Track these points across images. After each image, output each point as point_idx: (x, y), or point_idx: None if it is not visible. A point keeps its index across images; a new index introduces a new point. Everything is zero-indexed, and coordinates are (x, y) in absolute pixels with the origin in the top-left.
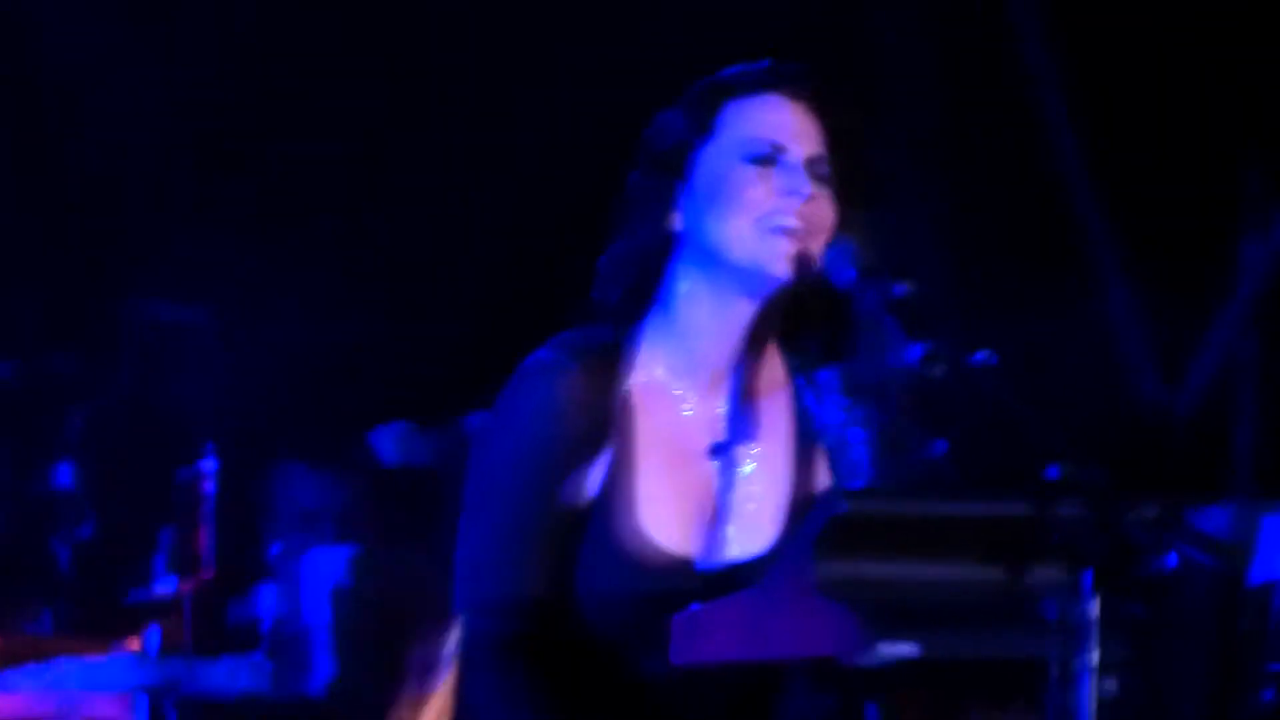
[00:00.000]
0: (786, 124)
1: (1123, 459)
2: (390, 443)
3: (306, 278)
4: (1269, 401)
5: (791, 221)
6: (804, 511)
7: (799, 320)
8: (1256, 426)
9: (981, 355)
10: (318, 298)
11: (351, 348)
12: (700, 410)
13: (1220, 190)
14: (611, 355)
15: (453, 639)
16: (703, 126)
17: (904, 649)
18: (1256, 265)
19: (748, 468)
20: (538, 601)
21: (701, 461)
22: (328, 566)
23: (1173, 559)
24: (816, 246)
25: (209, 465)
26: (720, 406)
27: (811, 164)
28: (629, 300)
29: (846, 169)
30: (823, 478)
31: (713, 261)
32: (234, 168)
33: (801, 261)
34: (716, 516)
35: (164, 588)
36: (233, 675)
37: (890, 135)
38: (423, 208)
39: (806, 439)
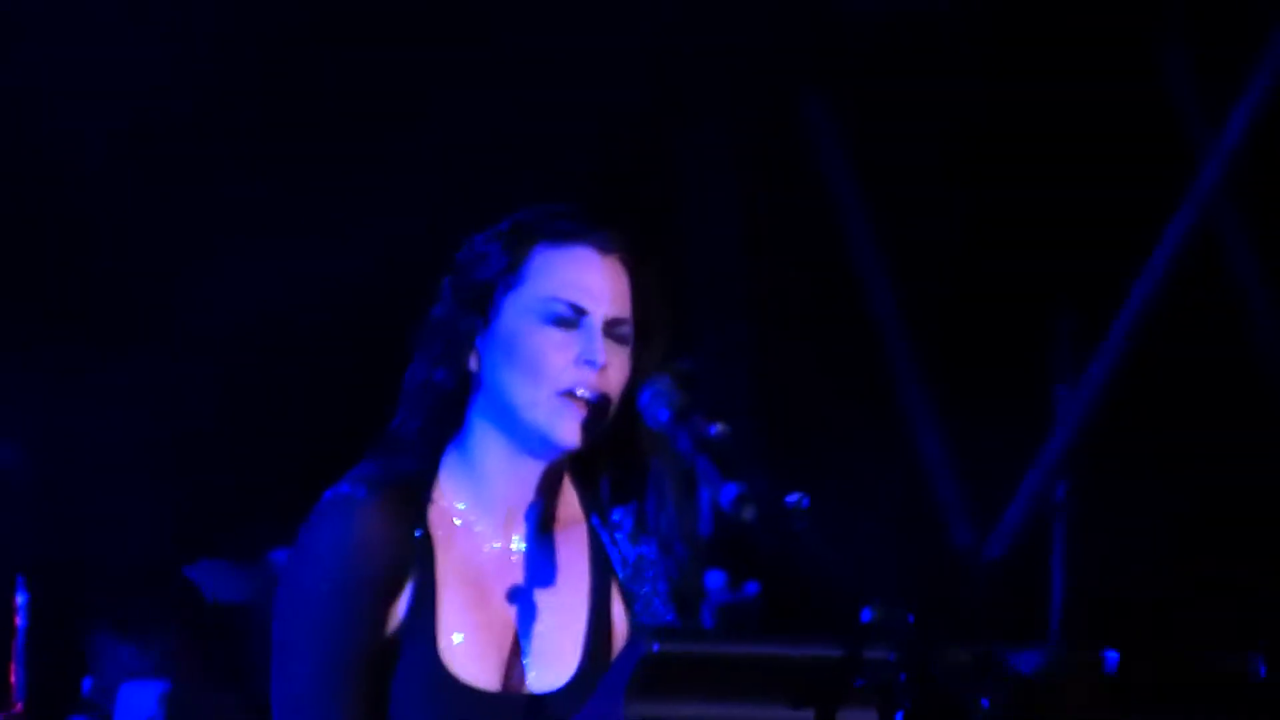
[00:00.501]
0: (592, 283)
1: (934, 603)
2: (205, 579)
3: (119, 409)
4: (1080, 546)
5: (585, 392)
6: (603, 644)
7: (589, 463)
8: (1068, 571)
9: (794, 497)
10: (129, 430)
11: (165, 479)
12: (497, 545)
13: (1033, 334)
14: (410, 488)
15: None
16: (511, 269)
17: None
18: (1069, 410)
19: (546, 601)
20: None
21: (500, 595)
22: (140, 703)
23: (984, 703)
24: (609, 410)
25: (20, 599)
26: (517, 541)
27: (611, 326)
28: (427, 433)
29: (651, 322)
30: (619, 611)
31: (506, 417)
32: (40, 302)
33: (592, 428)
34: (517, 649)
35: None
36: None
37: (699, 276)
38: (231, 338)
39: (604, 572)
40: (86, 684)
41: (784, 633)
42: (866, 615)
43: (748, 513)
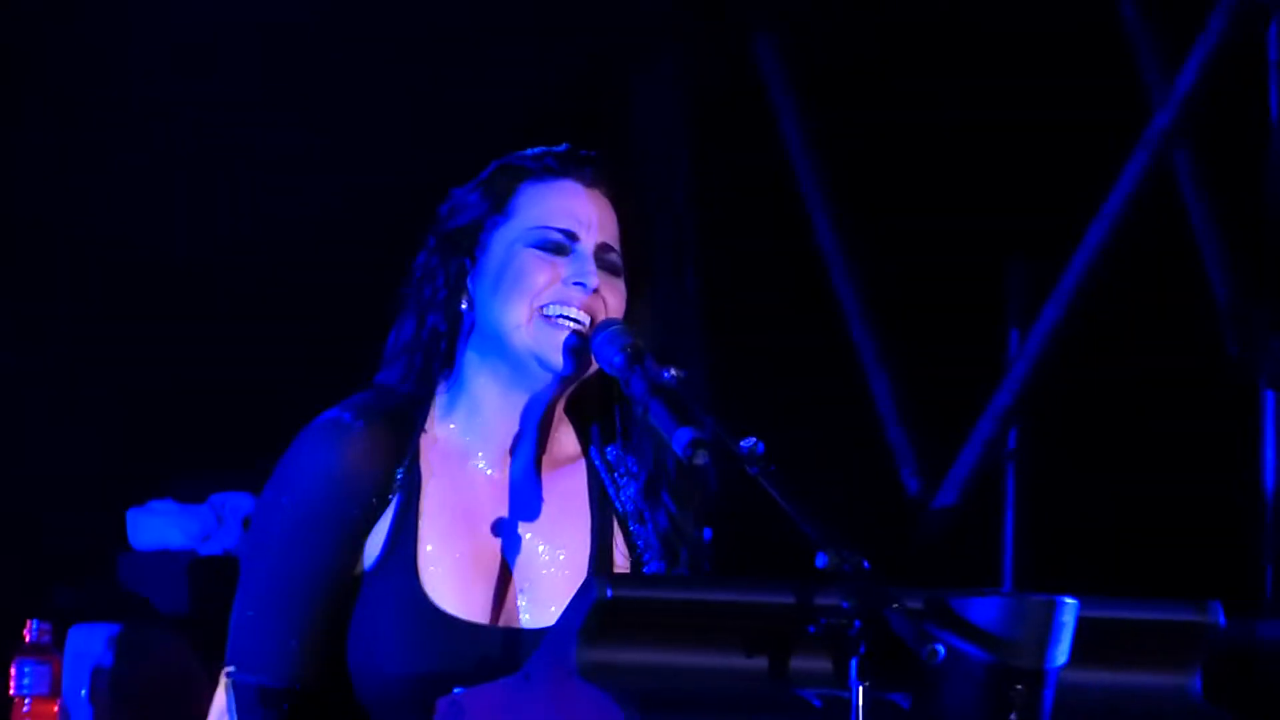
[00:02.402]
0: (580, 211)
1: (885, 550)
2: (144, 524)
3: (64, 346)
4: (1031, 494)
5: (574, 313)
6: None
7: (582, 400)
8: (1019, 518)
9: (748, 442)
10: (72, 364)
11: (112, 421)
12: (492, 477)
13: (986, 280)
14: (398, 417)
15: (219, 698)
16: (497, 208)
17: None
18: (1021, 355)
19: (543, 535)
20: (307, 663)
21: (494, 526)
22: (88, 645)
23: (938, 650)
24: None
25: None
26: (513, 472)
27: (601, 252)
28: (420, 375)
29: (632, 257)
30: (620, 550)
31: (496, 347)
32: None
33: (582, 353)
34: (510, 583)
35: None
36: None
37: (649, 221)
38: (195, 281)
39: (605, 509)
40: (33, 628)
41: (737, 578)
42: (820, 561)
43: (700, 458)
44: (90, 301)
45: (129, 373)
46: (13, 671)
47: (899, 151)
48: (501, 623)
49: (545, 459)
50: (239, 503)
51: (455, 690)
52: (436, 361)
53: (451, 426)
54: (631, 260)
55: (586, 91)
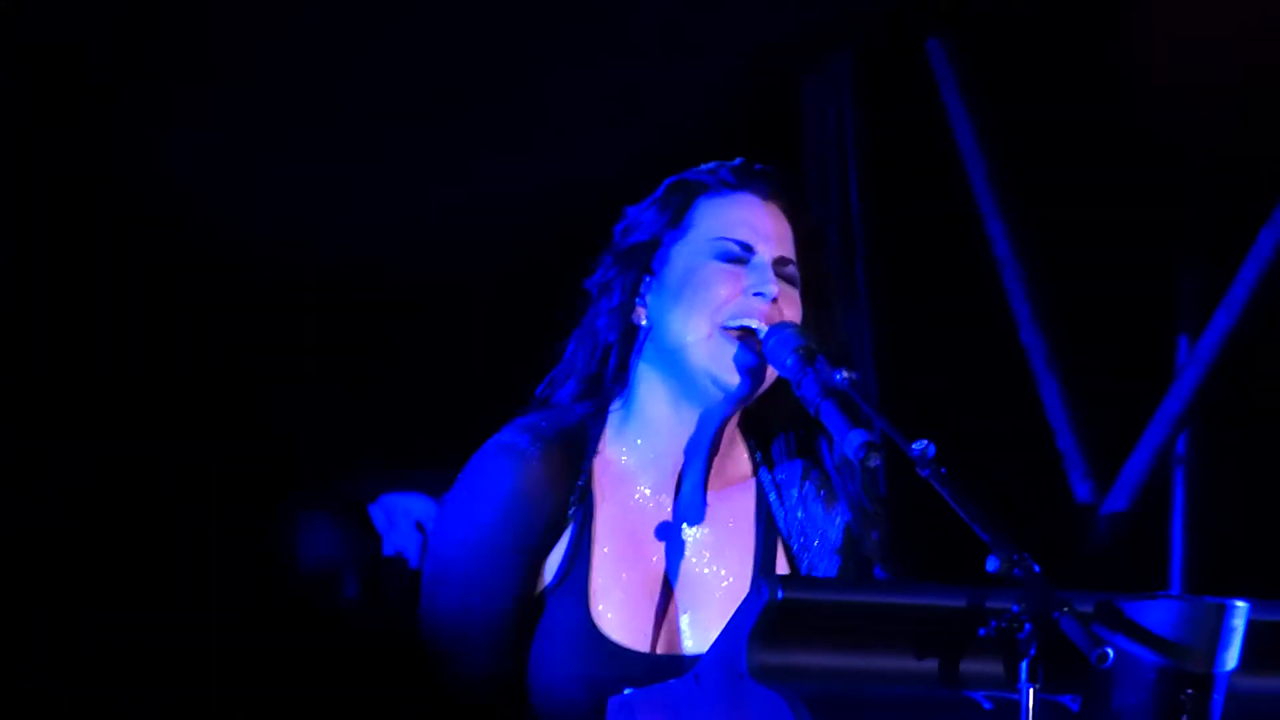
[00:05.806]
0: (758, 224)
1: (1055, 554)
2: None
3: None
4: (1201, 499)
5: (755, 323)
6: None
7: (761, 420)
8: (1189, 524)
9: (920, 445)
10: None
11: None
12: (660, 501)
13: (1157, 285)
14: (572, 441)
15: None
16: (674, 222)
17: None
18: (1192, 360)
19: (706, 560)
20: (490, 686)
21: (659, 552)
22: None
23: (1109, 653)
24: None
25: None
26: (680, 497)
27: (778, 264)
28: (593, 386)
29: (811, 270)
30: (782, 571)
31: (672, 362)
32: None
33: (756, 370)
34: (673, 608)
35: None
36: None
37: (822, 228)
38: (382, 286)
39: (770, 532)
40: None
41: (907, 581)
42: (991, 564)
43: (872, 460)
44: (259, 303)
45: (297, 376)
46: None
47: (1070, 153)
48: (665, 648)
49: (714, 478)
50: (409, 504)
51: (626, 690)
52: (610, 375)
53: (623, 449)
54: (807, 272)
55: (755, 96)
